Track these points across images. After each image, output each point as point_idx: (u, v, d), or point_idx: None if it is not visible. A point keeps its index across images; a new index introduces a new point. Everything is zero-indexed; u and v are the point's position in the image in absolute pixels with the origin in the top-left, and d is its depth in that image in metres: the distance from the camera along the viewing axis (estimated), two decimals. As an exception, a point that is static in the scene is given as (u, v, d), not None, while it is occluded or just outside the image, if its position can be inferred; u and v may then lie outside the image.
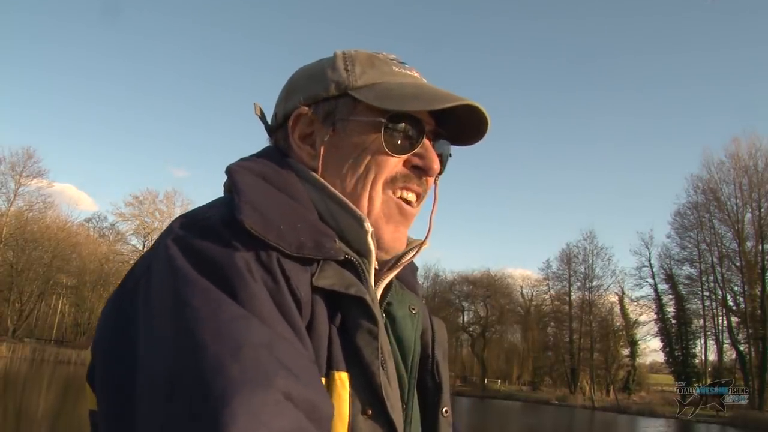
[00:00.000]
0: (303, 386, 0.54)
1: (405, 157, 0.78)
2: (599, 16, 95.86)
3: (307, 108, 0.80)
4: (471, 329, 63.50)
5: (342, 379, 0.65)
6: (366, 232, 0.74)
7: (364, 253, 0.74)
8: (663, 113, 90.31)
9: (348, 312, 0.68)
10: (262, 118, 0.86)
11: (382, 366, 0.67)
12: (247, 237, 0.62)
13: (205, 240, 0.62)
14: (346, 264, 0.70)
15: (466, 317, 64.70)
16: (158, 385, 0.54)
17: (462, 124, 0.81)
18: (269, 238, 0.63)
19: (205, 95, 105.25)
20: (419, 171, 0.79)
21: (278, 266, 0.62)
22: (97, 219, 68.26)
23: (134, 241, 63.91)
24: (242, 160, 0.79)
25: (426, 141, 0.79)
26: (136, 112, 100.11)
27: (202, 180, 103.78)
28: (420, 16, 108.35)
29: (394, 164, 0.77)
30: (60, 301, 61.52)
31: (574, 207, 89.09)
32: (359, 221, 0.74)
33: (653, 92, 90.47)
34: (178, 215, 0.70)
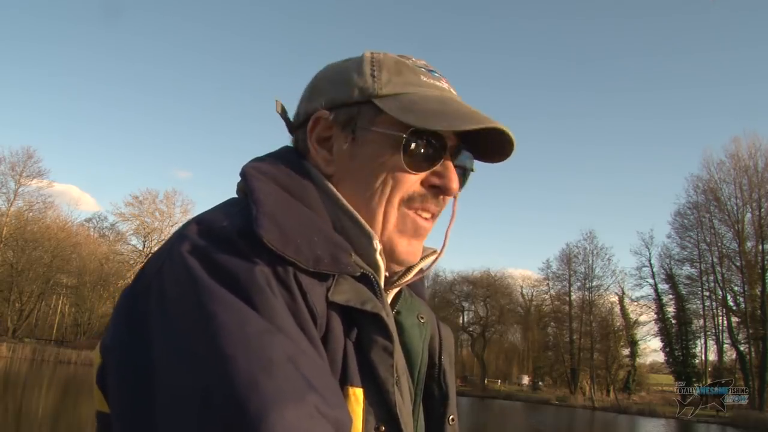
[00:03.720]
0: (329, 403, 0.55)
1: (423, 174, 0.76)
2: (599, 18, 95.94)
3: (327, 111, 0.77)
4: (471, 329, 63.54)
5: (356, 394, 0.64)
6: (375, 250, 0.72)
7: (374, 268, 0.73)
8: (663, 113, 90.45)
9: (363, 327, 0.67)
10: (284, 114, 0.84)
11: (396, 383, 0.67)
12: (264, 250, 0.62)
13: (223, 252, 0.62)
14: (361, 278, 0.69)
15: (466, 317, 64.85)
16: (187, 397, 0.54)
17: (486, 141, 0.78)
18: (287, 253, 0.62)
19: (205, 95, 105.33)
20: (437, 190, 0.77)
21: (295, 281, 0.62)
22: (97, 219, 68.50)
23: (134, 241, 64.16)
24: (257, 160, 0.77)
25: (446, 160, 0.76)
26: (138, 115, 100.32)
27: (205, 181, 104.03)
28: (421, 16, 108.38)
29: (411, 182, 0.75)
30: (60, 301, 61.51)
31: (574, 207, 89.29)
32: (368, 238, 0.73)
33: (653, 93, 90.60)
34: (191, 220, 0.69)
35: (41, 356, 41.71)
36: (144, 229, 62.71)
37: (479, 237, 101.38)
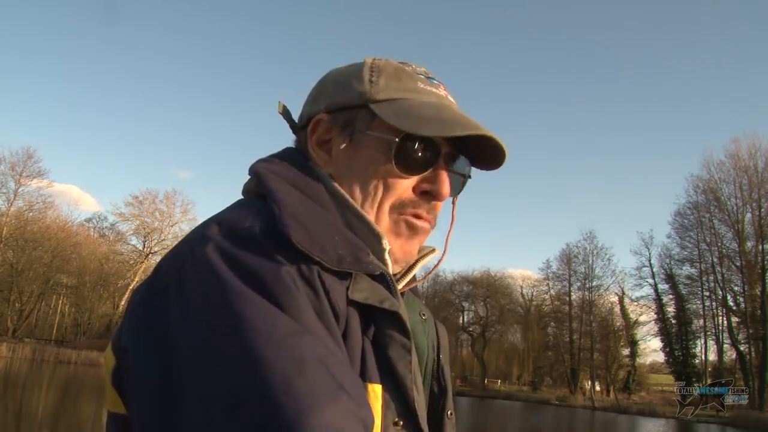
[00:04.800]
0: (357, 403, 0.56)
1: (414, 179, 0.77)
2: (599, 14, 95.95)
3: (326, 114, 0.79)
4: (471, 329, 63.56)
5: (375, 391, 0.65)
6: (384, 250, 0.74)
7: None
8: (663, 113, 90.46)
9: (380, 325, 0.68)
10: (286, 115, 0.86)
11: (413, 379, 0.69)
12: (290, 250, 0.62)
13: (248, 252, 0.62)
14: (377, 277, 0.70)
15: (466, 317, 64.85)
16: (218, 399, 0.54)
17: (479, 150, 0.80)
18: (314, 252, 0.63)
19: (205, 95, 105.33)
20: (428, 196, 0.78)
21: (319, 280, 0.63)
22: (97, 219, 68.51)
23: (134, 241, 64.27)
24: (264, 161, 0.78)
25: (441, 166, 0.78)
26: (138, 115, 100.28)
27: (206, 181, 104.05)
28: (419, 13, 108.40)
29: (403, 187, 0.77)
30: (60, 301, 61.51)
31: (574, 207, 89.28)
32: (377, 238, 0.74)
33: (653, 91, 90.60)
34: (209, 221, 0.68)
35: (41, 356, 41.62)
36: (144, 229, 62.77)
37: (479, 237, 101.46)
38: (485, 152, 0.80)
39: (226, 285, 0.59)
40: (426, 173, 0.77)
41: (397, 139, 0.75)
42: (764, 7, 77.07)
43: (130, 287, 60.10)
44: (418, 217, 0.78)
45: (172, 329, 0.59)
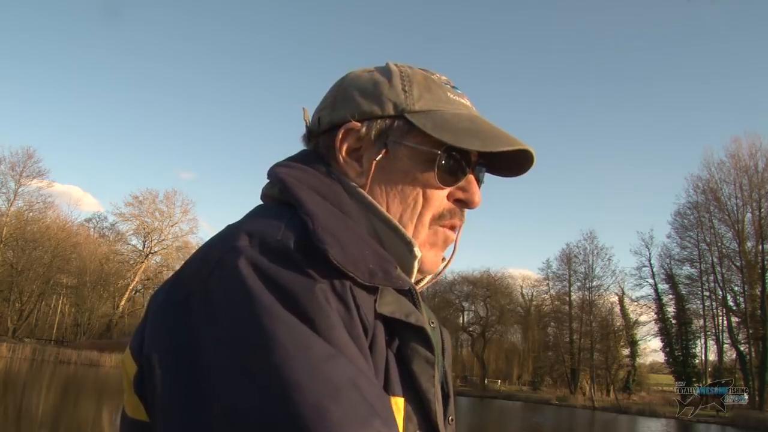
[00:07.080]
0: (386, 424, 0.55)
1: (451, 189, 0.78)
2: (598, 11, 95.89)
3: (359, 123, 0.77)
4: (471, 329, 63.57)
5: (398, 404, 0.65)
6: (414, 258, 0.74)
7: (408, 275, 0.74)
8: (664, 112, 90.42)
9: (405, 338, 0.68)
10: (306, 122, 0.85)
11: (435, 393, 0.69)
12: (324, 266, 0.62)
13: (282, 267, 0.60)
14: (403, 290, 0.70)
15: (466, 317, 64.83)
16: (249, 422, 0.52)
17: (504, 157, 0.80)
18: (348, 268, 0.62)
19: (205, 94, 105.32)
20: (461, 203, 0.79)
21: (351, 295, 0.62)
22: (98, 219, 68.64)
23: (134, 241, 64.31)
24: (286, 167, 0.76)
25: (470, 174, 0.79)
26: (140, 115, 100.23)
27: (207, 182, 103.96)
28: (420, 8, 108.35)
29: (441, 198, 0.77)
30: (60, 301, 61.50)
31: (574, 207, 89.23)
32: (409, 246, 0.74)
33: (654, 90, 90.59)
34: (237, 230, 0.65)
35: (41, 356, 41.57)
36: (144, 229, 62.81)
37: (479, 237, 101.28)
38: (511, 160, 0.81)
39: (259, 302, 0.57)
40: (459, 183, 0.78)
41: (439, 152, 0.75)
42: (765, 5, 77.09)
43: (130, 287, 60.28)
44: (453, 227, 0.79)
45: (197, 343, 0.58)
